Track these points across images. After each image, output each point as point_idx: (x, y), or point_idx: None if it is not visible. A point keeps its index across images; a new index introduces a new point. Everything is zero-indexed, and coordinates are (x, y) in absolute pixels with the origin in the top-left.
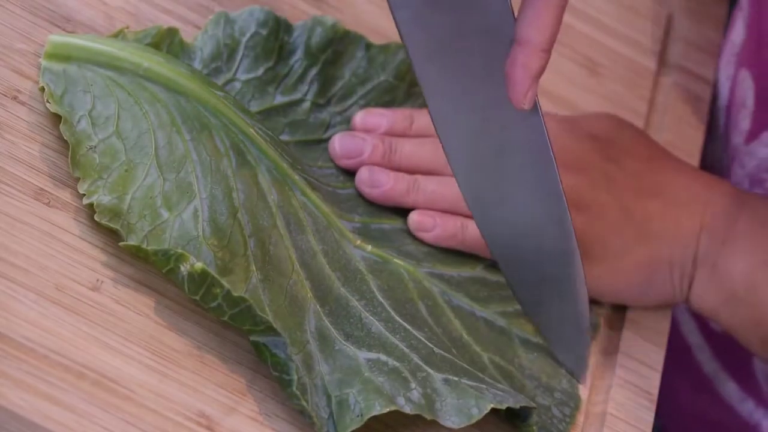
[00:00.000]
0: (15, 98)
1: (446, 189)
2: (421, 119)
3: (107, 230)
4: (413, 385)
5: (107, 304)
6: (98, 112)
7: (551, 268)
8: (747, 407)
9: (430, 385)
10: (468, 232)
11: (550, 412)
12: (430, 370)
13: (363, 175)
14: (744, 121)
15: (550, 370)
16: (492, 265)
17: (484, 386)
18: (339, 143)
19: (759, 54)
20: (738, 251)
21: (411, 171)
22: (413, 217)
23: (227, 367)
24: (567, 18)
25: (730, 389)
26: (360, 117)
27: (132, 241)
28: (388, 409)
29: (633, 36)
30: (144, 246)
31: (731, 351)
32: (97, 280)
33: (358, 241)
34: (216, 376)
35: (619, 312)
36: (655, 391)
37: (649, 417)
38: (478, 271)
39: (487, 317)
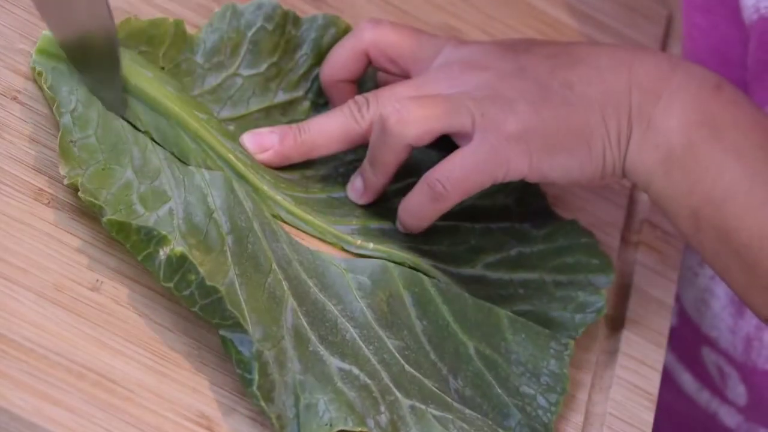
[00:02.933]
0: (15, 98)
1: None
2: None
3: (91, 208)
4: (382, 409)
5: (107, 305)
6: (80, 113)
7: None
8: (704, 397)
9: (396, 411)
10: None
11: (535, 402)
12: (398, 394)
13: (246, 143)
14: None
15: (537, 351)
16: (492, 263)
17: (450, 417)
18: (248, 139)
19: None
20: (674, 107)
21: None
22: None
23: (227, 367)
24: (567, 18)
25: (687, 381)
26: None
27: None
28: (358, 429)
29: (633, 36)
30: (127, 221)
31: (684, 342)
32: (97, 280)
33: (359, 241)
34: (216, 376)
35: (619, 312)
36: (655, 391)
37: (649, 417)
38: (478, 269)
39: (477, 299)
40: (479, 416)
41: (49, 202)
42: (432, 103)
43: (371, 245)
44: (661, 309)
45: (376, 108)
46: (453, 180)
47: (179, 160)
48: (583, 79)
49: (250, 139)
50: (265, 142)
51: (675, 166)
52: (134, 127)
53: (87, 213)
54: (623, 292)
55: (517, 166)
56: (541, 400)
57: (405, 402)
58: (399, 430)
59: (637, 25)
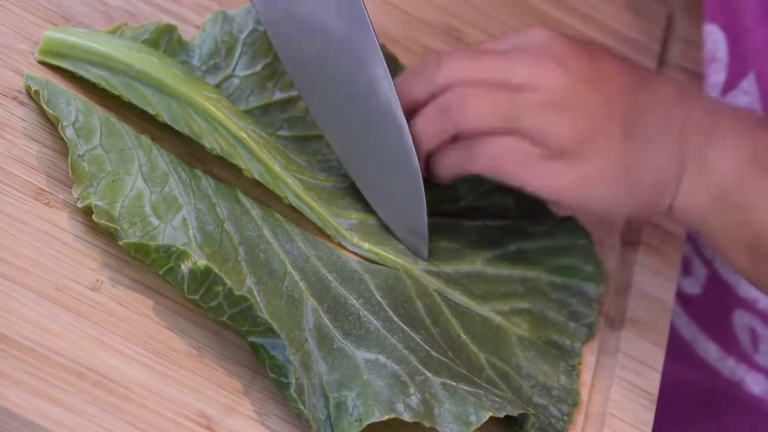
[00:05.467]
0: (15, 98)
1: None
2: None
3: (106, 231)
4: (412, 390)
5: (107, 304)
6: (81, 123)
7: (380, 141)
8: (728, 365)
9: (428, 389)
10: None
11: (548, 411)
12: (428, 374)
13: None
14: (717, 75)
15: (547, 368)
16: (492, 258)
17: (481, 392)
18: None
19: (725, 3)
20: (725, 147)
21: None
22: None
23: (227, 367)
24: (567, 18)
25: (710, 350)
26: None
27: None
28: (387, 417)
29: (633, 36)
30: (145, 242)
31: (709, 311)
32: (97, 280)
33: (355, 239)
34: (216, 376)
35: (619, 312)
36: (655, 391)
37: (649, 417)
38: (477, 266)
39: (485, 315)
40: (508, 395)
41: (49, 202)
42: (497, 101)
43: (366, 245)
44: (661, 309)
45: (445, 70)
46: (491, 156)
47: (184, 149)
48: (647, 108)
49: None
50: None
51: (728, 205)
52: (137, 129)
53: (87, 213)
54: (623, 292)
55: (552, 187)
56: (553, 410)
57: (436, 380)
58: (432, 408)
59: (637, 25)
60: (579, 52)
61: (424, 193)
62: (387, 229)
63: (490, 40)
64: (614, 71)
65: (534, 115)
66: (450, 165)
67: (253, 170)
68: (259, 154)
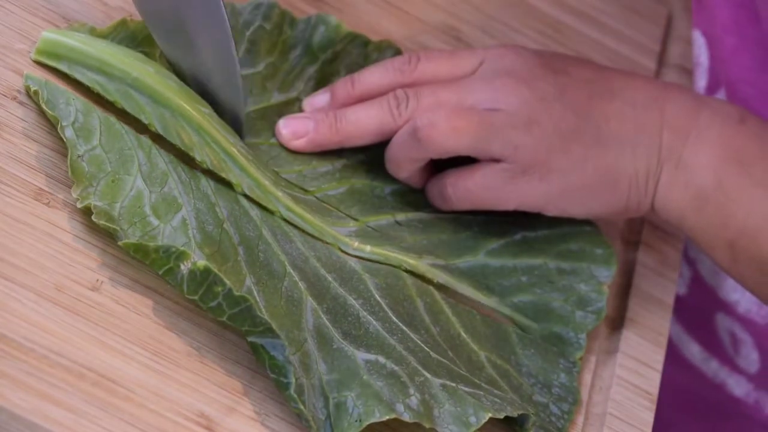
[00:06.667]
0: (15, 98)
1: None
2: (362, 78)
3: (106, 231)
4: (412, 391)
5: (107, 305)
6: (81, 124)
7: (193, 16)
8: (711, 367)
9: (428, 390)
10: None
11: (548, 410)
12: (427, 375)
13: (281, 130)
14: (701, 80)
15: (547, 365)
16: (495, 249)
17: (481, 393)
18: (284, 125)
19: (702, 6)
20: (703, 145)
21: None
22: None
23: (227, 367)
24: (567, 18)
25: (694, 351)
26: (306, 101)
27: None
28: (387, 417)
29: (633, 36)
30: (144, 242)
31: (694, 311)
32: (97, 280)
33: (356, 243)
34: (216, 376)
35: (619, 312)
36: (655, 391)
37: (649, 417)
38: (480, 258)
39: (488, 308)
40: (508, 394)
41: (49, 203)
42: (467, 120)
43: (368, 248)
44: (661, 309)
45: (415, 106)
46: (465, 193)
47: (183, 152)
48: (618, 114)
49: (284, 125)
50: (299, 129)
51: (707, 203)
52: (136, 129)
53: (87, 213)
54: (623, 292)
55: (532, 201)
56: (553, 408)
57: (435, 381)
58: (432, 408)
59: (637, 25)
60: (542, 69)
61: (240, 78)
62: (386, 229)
63: (459, 50)
64: (583, 83)
65: (502, 135)
66: (431, 196)
67: (244, 185)
68: (249, 170)
